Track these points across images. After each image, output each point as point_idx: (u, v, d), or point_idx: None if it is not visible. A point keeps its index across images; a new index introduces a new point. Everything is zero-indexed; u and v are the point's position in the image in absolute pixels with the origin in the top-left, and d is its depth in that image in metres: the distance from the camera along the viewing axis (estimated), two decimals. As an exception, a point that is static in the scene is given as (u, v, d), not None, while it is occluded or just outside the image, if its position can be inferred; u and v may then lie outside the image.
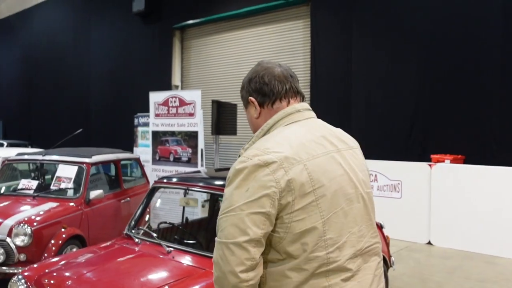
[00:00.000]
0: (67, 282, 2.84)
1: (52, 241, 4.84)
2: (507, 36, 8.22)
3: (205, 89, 11.80)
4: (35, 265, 3.27)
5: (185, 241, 3.53)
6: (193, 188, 3.62)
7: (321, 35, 10.78)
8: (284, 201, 1.46)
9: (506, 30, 8.22)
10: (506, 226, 6.45)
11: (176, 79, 14.01)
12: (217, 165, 9.32)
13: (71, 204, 5.34)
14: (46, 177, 6.14)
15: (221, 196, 3.52)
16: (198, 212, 5.53)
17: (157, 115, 6.32)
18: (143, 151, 11.53)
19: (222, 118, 8.55)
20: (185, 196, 4.16)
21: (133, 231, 3.73)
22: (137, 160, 7.14)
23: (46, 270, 3.12)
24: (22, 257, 4.63)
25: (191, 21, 13.46)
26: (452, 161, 8.01)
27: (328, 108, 10.42)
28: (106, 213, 5.88)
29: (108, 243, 3.64)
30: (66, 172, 5.59)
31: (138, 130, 12.84)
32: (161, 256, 3.16)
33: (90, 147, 9.06)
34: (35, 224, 4.76)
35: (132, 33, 14.81)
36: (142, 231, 3.71)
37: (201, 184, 3.60)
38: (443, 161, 7.94)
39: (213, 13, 12.86)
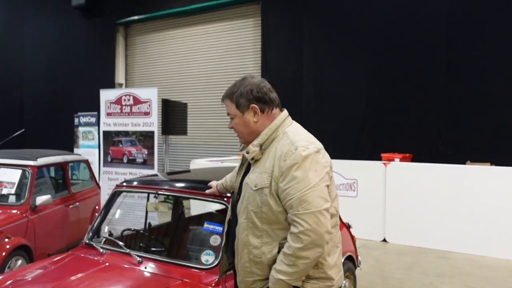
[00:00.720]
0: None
1: (-5, 253, 4.37)
2: (451, 40, 8.57)
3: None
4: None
5: (153, 249, 3.27)
6: (163, 192, 3.36)
7: (272, 34, 10.73)
8: (331, 175, 2.05)
9: (451, 34, 8.56)
10: (456, 222, 6.68)
11: (120, 77, 13.42)
12: (167, 166, 8.99)
13: (15, 211, 4.87)
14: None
15: (189, 198, 3.31)
16: (155, 217, 5.25)
17: (108, 114, 5.93)
18: (86, 152, 10.94)
19: (172, 118, 8.25)
20: (148, 200, 3.90)
21: (93, 240, 3.41)
22: (86, 162, 6.69)
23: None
24: (-40, 272, 4.15)
25: (136, 17, 12.94)
26: (401, 160, 8.22)
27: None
28: (54, 220, 5.43)
29: (65, 255, 3.30)
30: (8, 177, 5.10)
31: (79, 130, 12.15)
32: (131, 267, 2.89)
33: (23, 149, 8.40)
34: (-26, 234, 4.28)
35: (72, 28, 14.01)
36: (104, 240, 3.40)
37: (170, 187, 3.36)
38: (393, 160, 8.13)
39: (159, 9, 12.43)
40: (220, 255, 2.46)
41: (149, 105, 5.70)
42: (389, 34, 9.15)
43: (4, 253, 4.40)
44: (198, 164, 8.86)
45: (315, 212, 1.86)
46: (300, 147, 1.96)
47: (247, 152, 2.09)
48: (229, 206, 2.40)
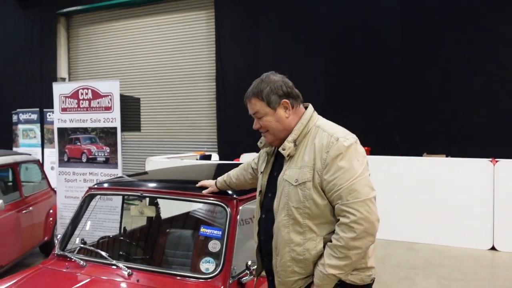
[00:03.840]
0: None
1: None
2: (405, 31, 8.72)
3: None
4: None
5: (141, 258, 2.94)
6: (147, 194, 3.03)
7: (226, 26, 10.44)
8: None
9: (405, 25, 8.71)
10: (420, 213, 6.80)
11: (62, 71, 12.59)
12: (121, 165, 8.48)
13: (-38, 220, 4.30)
14: None
15: (182, 200, 3.01)
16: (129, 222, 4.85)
17: (63, 110, 5.41)
18: (27, 151, 10.12)
19: (124, 114, 7.78)
20: (123, 204, 3.54)
21: (66, 250, 3.02)
22: (37, 163, 6.11)
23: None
24: None
25: (78, 7, 12.16)
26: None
27: (237, 100, 10.13)
28: (6, 227, 4.88)
29: (36, 269, 2.88)
30: (-48, 181, 4.51)
31: (18, 128, 11.31)
32: (122, 281, 2.56)
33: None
34: None
35: (7, 18, 12.97)
36: (79, 249, 3.02)
37: (157, 188, 3.02)
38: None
39: (105, -2, 11.76)
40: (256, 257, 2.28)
41: (111, 99, 5.27)
42: (344, 25, 9.19)
43: (-49, 269, 3.86)
44: (156, 161, 8.43)
45: (366, 200, 1.85)
46: (341, 138, 1.94)
47: (283, 149, 2.03)
48: (257, 205, 2.16)
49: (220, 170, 3.84)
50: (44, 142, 10.84)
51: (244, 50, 10.26)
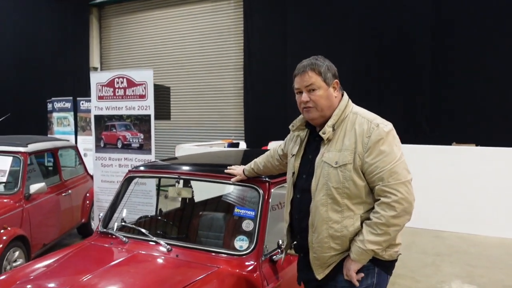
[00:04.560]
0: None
1: (-8, 245, 4.11)
2: (439, 19, 8.64)
3: (131, 71, 11.01)
4: (2, 276, 2.68)
5: (179, 236, 3.12)
6: (184, 177, 3.21)
7: (254, 16, 10.52)
8: None
9: (438, 13, 8.62)
10: (447, 202, 6.82)
11: (94, 61, 12.94)
12: (154, 151, 8.73)
13: (9, 200, 4.59)
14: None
15: (218, 183, 3.17)
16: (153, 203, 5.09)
17: (100, 98, 5.65)
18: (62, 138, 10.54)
19: (155, 102, 7.99)
20: (159, 186, 3.74)
21: (108, 228, 3.23)
22: (75, 148, 6.40)
23: (18, 282, 2.56)
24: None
25: (111, -2, 12.48)
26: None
27: (265, 90, 10.26)
28: (48, 209, 5.19)
29: (82, 245, 3.11)
30: (-1, 164, 4.81)
31: (53, 116, 11.69)
32: (163, 256, 2.75)
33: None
34: (-31, 226, 4.01)
35: (40, 9, 13.36)
36: (120, 228, 3.23)
37: (195, 171, 3.19)
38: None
39: (136, -10, 12.02)
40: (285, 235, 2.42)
41: (145, 87, 5.46)
42: (375, 13, 9.14)
43: (1, 245, 4.15)
44: (185, 149, 8.66)
45: (405, 182, 2.03)
46: (381, 124, 2.09)
47: (323, 133, 2.14)
48: (290, 186, 2.30)
49: (248, 155, 3.99)
50: (77, 130, 11.19)
51: (272, 40, 10.35)
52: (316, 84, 2.14)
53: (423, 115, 8.87)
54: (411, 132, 8.67)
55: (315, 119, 2.19)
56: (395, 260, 2.20)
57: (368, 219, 2.05)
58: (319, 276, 2.15)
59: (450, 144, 7.86)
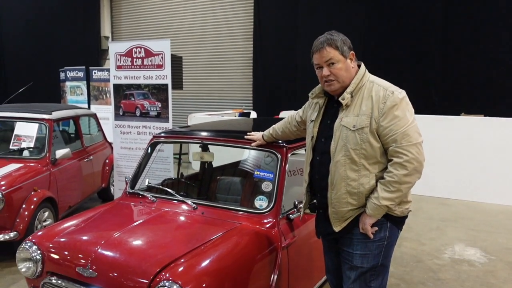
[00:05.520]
0: (96, 247, 2.56)
1: (24, 206, 4.40)
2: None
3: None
4: (40, 232, 2.94)
5: (203, 196, 3.36)
6: (207, 142, 3.44)
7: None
8: None
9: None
10: (454, 170, 7.02)
11: (106, 30, 13.03)
12: (171, 119, 8.94)
13: (37, 165, 4.86)
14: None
15: (230, 146, 3.36)
16: (170, 169, 5.33)
17: (119, 67, 5.83)
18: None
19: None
20: (181, 150, 3.96)
21: (135, 189, 3.47)
22: (94, 116, 6.63)
23: (61, 234, 2.82)
24: (-8, 224, 4.18)
25: (121, -33, 12.47)
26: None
27: (273, 61, 10.36)
28: (72, 173, 5.46)
29: (114, 203, 3.37)
30: (26, 130, 5.05)
31: (66, 85, 11.88)
32: (190, 213, 3.00)
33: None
34: (3, 188, 4.27)
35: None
36: (147, 189, 3.47)
37: (214, 136, 3.41)
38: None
39: (147, -42, 11.99)
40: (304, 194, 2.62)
41: (162, 57, 5.62)
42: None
43: (33, 206, 4.43)
44: (198, 118, 8.88)
45: (416, 144, 2.22)
46: (396, 91, 2.28)
47: (343, 99, 2.33)
48: (309, 150, 2.50)
49: (261, 123, 4.19)
50: (90, 99, 11.39)
51: (282, 10, 10.37)
52: (335, 58, 2.30)
53: (433, 87, 8.97)
54: (420, 104, 8.78)
55: (337, 90, 2.37)
56: (406, 217, 2.42)
57: (382, 178, 2.26)
58: (337, 228, 2.38)
59: (459, 114, 8.00)
